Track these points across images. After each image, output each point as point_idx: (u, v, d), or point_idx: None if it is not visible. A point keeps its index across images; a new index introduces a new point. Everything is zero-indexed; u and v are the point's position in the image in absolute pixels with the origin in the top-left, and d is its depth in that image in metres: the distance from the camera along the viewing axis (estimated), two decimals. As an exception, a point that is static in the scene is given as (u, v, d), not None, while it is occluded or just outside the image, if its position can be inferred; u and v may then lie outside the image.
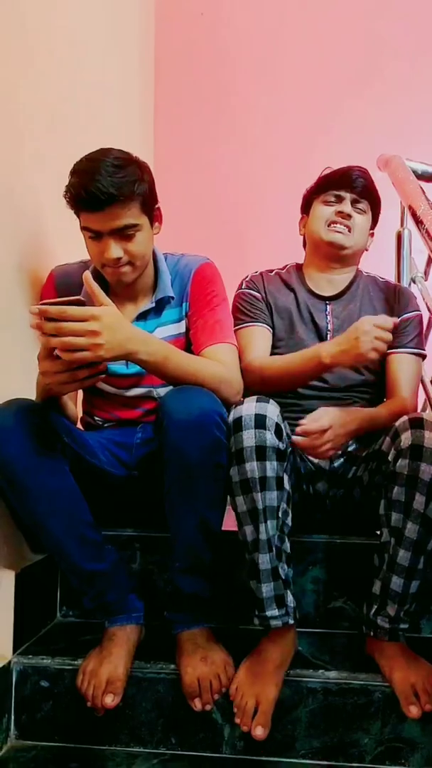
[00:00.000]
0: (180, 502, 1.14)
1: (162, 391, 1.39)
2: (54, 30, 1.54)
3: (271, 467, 1.11)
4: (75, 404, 1.42)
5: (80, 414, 1.50)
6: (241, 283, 1.60)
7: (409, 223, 1.96)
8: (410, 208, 1.73)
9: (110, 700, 1.14)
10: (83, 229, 1.25)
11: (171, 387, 1.37)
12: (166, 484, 1.15)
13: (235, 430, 1.12)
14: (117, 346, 1.06)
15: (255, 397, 1.15)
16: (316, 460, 1.45)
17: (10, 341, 1.27)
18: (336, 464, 1.45)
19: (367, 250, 1.59)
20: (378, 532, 1.21)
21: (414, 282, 1.95)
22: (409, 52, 2.80)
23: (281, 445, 1.12)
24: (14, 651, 1.23)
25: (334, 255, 1.53)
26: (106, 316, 1.05)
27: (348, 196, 1.50)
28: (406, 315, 1.51)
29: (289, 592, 1.16)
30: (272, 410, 1.12)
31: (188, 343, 1.37)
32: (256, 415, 1.11)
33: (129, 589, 1.26)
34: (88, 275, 1.09)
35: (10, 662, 1.21)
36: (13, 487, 1.12)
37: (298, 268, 1.63)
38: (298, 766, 1.15)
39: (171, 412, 1.10)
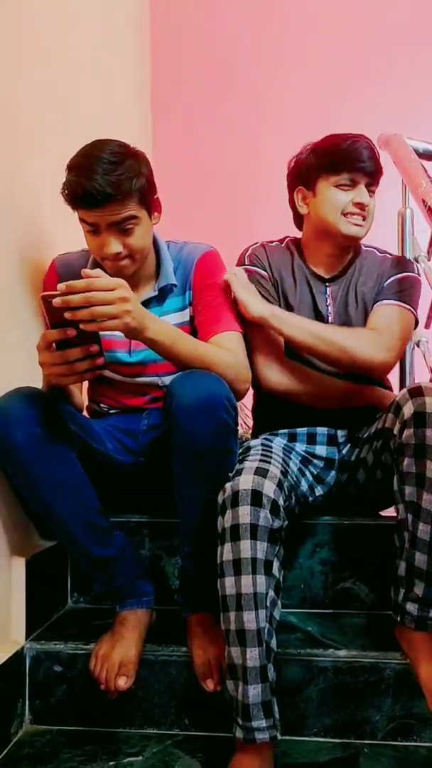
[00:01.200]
0: (189, 486, 1.14)
1: (167, 380, 1.39)
2: (51, 17, 1.53)
3: (262, 549, 1.03)
4: (81, 393, 1.42)
5: (86, 402, 1.50)
6: (243, 258, 1.50)
7: (411, 202, 1.95)
8: (412, 186, 1.71)
9: (123, 683, 1.15)
10: (81, 221, 1.24)
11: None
12: (175, 468, 1.15)
13: (232, 505, 1.06)
14: (140, 316, 1.08)
15: (255, 468, 1.09)
16: (324, 454, 1.44)
17: (13, 330, 1.27)
18: (344, 451, 1.45)
19: None
20: (395, 513, 1.20)
21: (417, 261, 1.93)
22: (414, 33, 2.77)
23: (276, 524, 1.05)
24: (27, 637, 1.24)
25: (347, 245, 1.47)
26: (128, 285, 1.06)
27: (363, 180, 1.40)
28: (392, 277, 1.46)
29: (275, 699, 1.02)
30: (269, 486, 1.06)
31: (192, 332, 1.36)
32: (252, 491, 1.05)
33: (139, 573, 1.27)
34: (87, 271, 1.08)
35: (23, 648, 1.22)
36: (21, 475, 1.13)
37: (296, 242, 1.55)
38: (310, 744, 1.16)
39: (179, 396, 1.10)
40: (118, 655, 1.16)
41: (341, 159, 1.40)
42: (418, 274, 1.50)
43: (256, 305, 1.36)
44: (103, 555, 1.20)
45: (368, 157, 1.40)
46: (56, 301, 1.00)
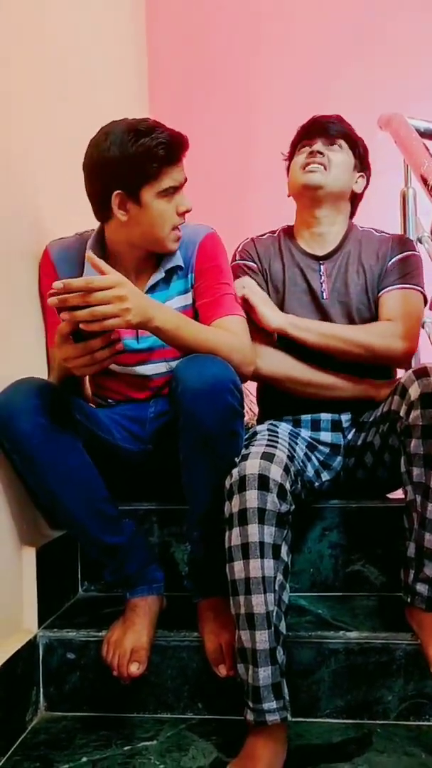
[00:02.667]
0: (197, 471, 1.14)
1: (175, 364, 1.39)
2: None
3: (269, 533, 1.04)
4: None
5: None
6: (235, 255, 1.56)
7: (413, 181, 1.93)
8: (414, 166, 1.69)
9: (135, 669, 1.16)
10: (162, 193, 1.24)
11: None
12: (182, 453, 1.15)
13: (239, 489, 1.06)
14: (141, 311, 1.07)
15: (261, 452, 1.09)
16: (329, 440, 1.44)
17: (13, 321, 1.27)
18: (349, 436, 1.45)
19: (359, 193, 1.53)
20: (403, 495, 1.19)
21: (420, 242, 1.92)
22: (411, 10, 2.73)
23: (283, 508, 1.06)
24: (39, 625, 1.25)
25: (313, 198, 1.47)
26: (127, 282, 1.05)
27: (319, 138, 1.47)
28: (393, 258, 1.46)
29: (284, 681, 1.04)
30: (275, 470, 1.06)
31: (194, 315, 1.36)
32: (259, 475, 1.06)
33: (148, 560, 1.28)
34: (91, 254, 1.08)
35: (36, 636, 1.23)
36: (28, 465, 1.13)
37: (288, 230, 1.59)
38: (323, 725, 1.17)
39: (185, 380, 1.10)
40: (130, 641, 1.17)
41: (302, 132, 1.51)
42: (417, 250, 1.51)
43: (274, 318, 1.42)
44: (113, 543, 1.21)
45: (326, 121, 1.48)
46: (52, 301, 1.00)
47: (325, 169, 1.45)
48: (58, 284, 0.99)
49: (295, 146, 1.53)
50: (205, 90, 2.86)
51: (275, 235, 1.58)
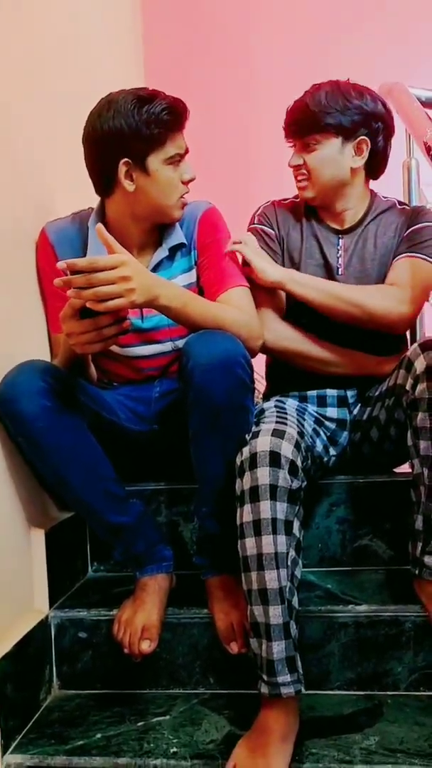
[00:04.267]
0: (207, 446, 1.14)
1: (181, 343, 1.38)
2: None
3: (282, 509, 1.04)
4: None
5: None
6: (253, 217, 1.50)
7: (416, 152, 1.90)
8: (416, 135, 1.66)
9: (147, 646, 1.17)
10: (168, 160, 1.23)
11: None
12: (192, 429, 1.14)
13: (250, 467, 1.06)
14: (146, 291, 1.06)
15: (272, 429, 1.09)
16: (335, 416, 1.43)
17: (14, 305, 1.26)
18: (355, 411, 1.45)
19: (359, 169, 1.39)
20: (409, 468, 1.20)
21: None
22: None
23: (294, 484, 1.05)
24: (51, 606, 1.26)
25: (313, 203, 1.45)
26: (132, 261, 1.04)
27: (295, 143, 1.40)
28: (410, 228, 1.41)
29: (298, 655, 1.04)
30: (286, 447, 1.06)
31: (199, 292, 1.35)
32: (270, 452, 1.05)
33: (157, 539, 1.28)
34: (101, 227, 1.07)
35: (47, 617, 1.24)
36: (33, 447, 1.13)
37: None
38: (334, 697, 1.18)
39: (195, 355, 1.10)
40: (141, 619, 1.18)
41: (284, 126, 1.42)
42: None
43: (271, 271, 1.37)
44: (121, 522, 1.21)
45: (291, 120, 1.38)
46: (57, 282, 1.00)
47: (308, 179, 1.39)
48: (61, 264, 0.99)
49: None
50: (203, 60, 2.81)
51: (298, 200, 1.51)
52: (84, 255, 1.30)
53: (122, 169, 1.22)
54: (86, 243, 1.32)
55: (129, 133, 1.20)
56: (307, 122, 1.35)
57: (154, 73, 2.73)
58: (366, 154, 1.37)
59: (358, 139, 1.36)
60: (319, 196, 1.41)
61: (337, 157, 1.36)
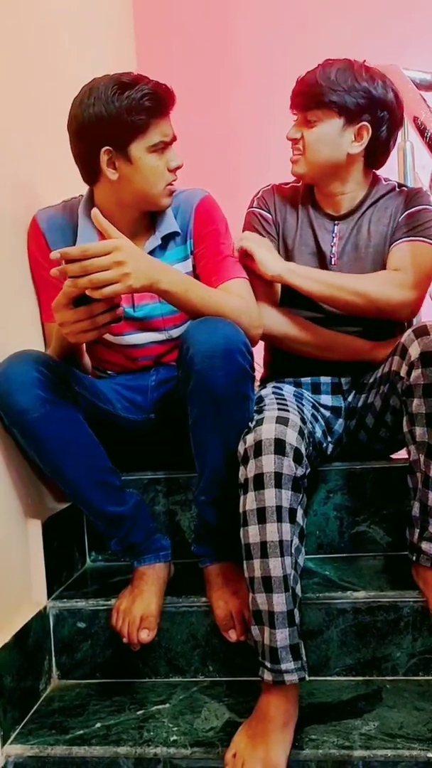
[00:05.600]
0: (207, 433, 1.13)
1: (175, 333, 1.37)
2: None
3: (286, 497, 1.03)
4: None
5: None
6: (252, 200, 1.49)
7: (411, 135, 1.88)
8: (411, 118, 1.64)
9: (146, 636, 1.17)
10: (151, 148, 1.21)
11: (181, 329, 1.35)
12: (192, 416, 1.13)
13: (255, 454, 1.05)
14: (143, 275, 1.05)
15: (275, 416, 1.07)
16: (330, 403, 1.43)
17: (6, 294, 1.25)
18: (349, 398, 1.44)
19: (357, 156, 1.35)
20: (406, 454, 1.19)
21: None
22: None
23: (299, 472, 1.05)
24: (49, 596, 1.26)
25: (305, 181, 1.42)
26: (126, 246, 1.03)
27: (298, 115, 1.36)
28: (407, 211, 1.38)
29: (302, 643, 1.04)
30: (291, 434, 1.05)
31: None
32: (276, 439, 1.04)
33: (154, 528, 1.28)
34: (96, 212, 1.06)
35: (45, 607, 1.24)
36: (29, 438, 1.12)
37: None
38: (334, 683, 1.18)
39: (196, 342, 1.09)
40: (139, 609, 1.18)
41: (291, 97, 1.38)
42: None
43: (271, 264, 1.36)
44: (117, 513, 1.21)
45: (298, 92, 1.35)
46: (53, 272, 0.99)
47: (302, 154, 1.36)
48: (55, 254, 0.99)
49: None
50: (192, 41, 2.78)
51: (299, 185, 1.49)
52: (74, 243, 1.29)
53: (104, 157, 1.21)
54: (76, 231, 1.31)
55: (109, 120, 1.17)
56: (312, 96, 1.31)
57: (145, 52, 2.71)
58: (365, 141, 1.33)
59: (360, 124, 1.32)
60: (309, 174, 1.38)
61: (335, 138, 1.33)
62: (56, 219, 1.32)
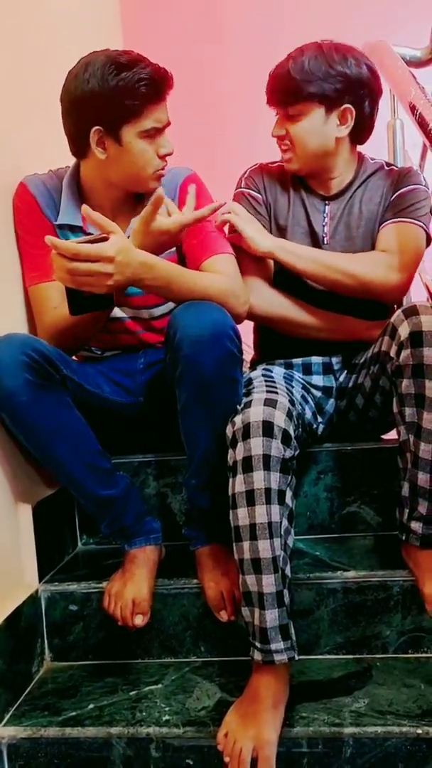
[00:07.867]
0: (196, 418, 1.13)
1: (156, 312, 1.37)
2: None
3: (275, 479, 1.03)
4: None
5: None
6: (240, 180, 1.47)
7: (401, 112, 1.86)
8: (401, 95, 1.62)
9: (140, 621, 1.17)
10: (143, 133, 1.19)
11: (165, 307, 1.36)
12: (181, 401, 1.13)
13: (243, 437, 1.05)
14: (124, 279, 1.08)
15: (263, 399, 1.07)
16: (321, 384, 1.42)
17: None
18: (341, 378, 1.44)
19: (344, 137, 1.34)
20: (396, 435, 1.19)
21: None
22: None
23: (287, 454, 1.04)
24: (40, 579, 1.26)
25: (298, 173, 1.41)
26: (118, 254, 1.04)
27: (279, 112, 1.34)
28: (397, 192, 1.37)
29: (291, 623, 1.05)
30: (279, 416, 1.05)
31: (180, 259, 1.32)
32: (264, 422, 1.04)
33: (145, 511, 1.28)
34: (87, 208, 1.06)
35: (37, 591, 1.24)
36: (17, 422, 1.12)
37: None
38: (324, 661, 1.19)
39: (183, 327, 1.08)
40: (131, 592, 1.18)
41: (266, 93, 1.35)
42: (426, 185, 1.39)
43: (262, 240, 1.34)
44: (107, 495, 1.20)
45: (273, 88, 1.32)
46: (47, 239, 1.02)
47: (292, 150, 1.35)
48: (46, 240, 1.01)
49: None
50: (179, 20, 2.74)
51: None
52: (57, 215, 1.29)
53: (94, 137, 1.19)
54: (59, 203, 1.30)
55: (102, 100, 1.15)
56: (289, 91, 1.29)
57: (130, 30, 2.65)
58: (351, 122, 1.32)
59: (343, 107, 1.30)
60: (304, 168, 1.37)
61: (321, 127, 1.31)
62: (45, 185, 1.31)
